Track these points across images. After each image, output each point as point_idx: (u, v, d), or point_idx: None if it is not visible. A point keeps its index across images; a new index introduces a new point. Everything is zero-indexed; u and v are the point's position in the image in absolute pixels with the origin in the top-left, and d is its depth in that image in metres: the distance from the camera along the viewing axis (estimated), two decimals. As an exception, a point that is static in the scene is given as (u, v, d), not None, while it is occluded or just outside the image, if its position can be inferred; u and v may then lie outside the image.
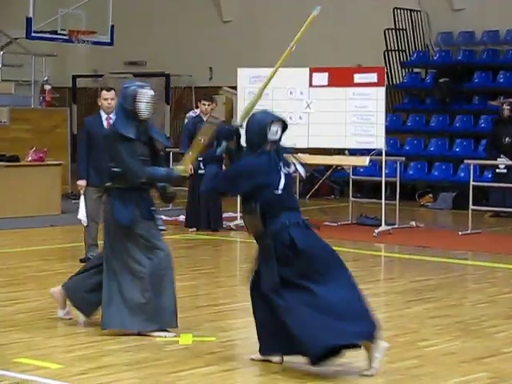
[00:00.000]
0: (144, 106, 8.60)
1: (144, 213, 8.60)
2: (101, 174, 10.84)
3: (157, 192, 8.86)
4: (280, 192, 7.41)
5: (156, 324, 8.44)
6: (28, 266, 12.21)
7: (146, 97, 8.63)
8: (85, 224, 12.31)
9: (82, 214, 12.30)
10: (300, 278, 7.27)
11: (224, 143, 7.64)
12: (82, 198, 12.29)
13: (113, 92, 12.14)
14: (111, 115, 11.68)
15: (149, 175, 8.61)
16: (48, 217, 16.49)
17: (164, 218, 16.80)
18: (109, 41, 22.34)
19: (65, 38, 21.92)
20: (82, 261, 12.00)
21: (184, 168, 8.74)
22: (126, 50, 26.11)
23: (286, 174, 7.53)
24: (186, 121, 16.48)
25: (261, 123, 7.55)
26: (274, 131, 7.59)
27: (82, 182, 12.38)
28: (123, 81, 28.44)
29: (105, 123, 12.09)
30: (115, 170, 8.59)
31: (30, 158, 17.19)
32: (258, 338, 7.61)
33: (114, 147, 8.57)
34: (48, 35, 21.76)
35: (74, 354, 7.85)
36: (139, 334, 8.33)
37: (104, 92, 12.24)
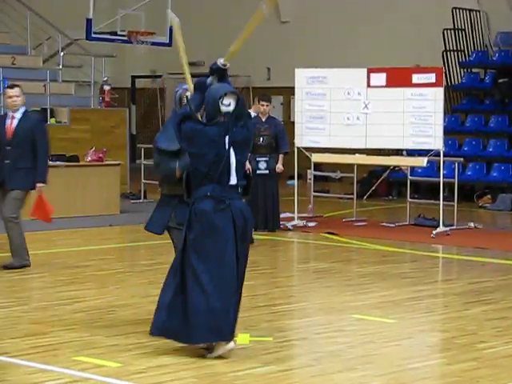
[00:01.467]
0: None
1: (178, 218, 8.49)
2: None
3: None
4: (210, 165, 7.67)
5: None
6: (87, 265, 12.30)
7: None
8: None
9: None
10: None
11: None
12: None
13: (17, 89, 11.96)
14: (15, 114, 11.82)
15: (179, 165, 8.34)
16: (107, 216, 16.59)
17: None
18: (167, 41, 22.41)
19: (124, 38, 22.01)
20: None
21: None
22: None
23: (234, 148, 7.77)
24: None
25: (214, 96, 7.90)
26: (226, 104, 7.85)
27: None
28: (181, 82, 28.63)
29: (8, 122, 11.92)
30: None
31: (89, 158, 17.31)
32: None
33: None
34: (107, 36, 21.87)
35: (133, 353, 7.90)
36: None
37: (8, 89, 12.08)
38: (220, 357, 7.75)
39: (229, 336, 7.68)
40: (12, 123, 11.85)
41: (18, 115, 11.88)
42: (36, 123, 12.04)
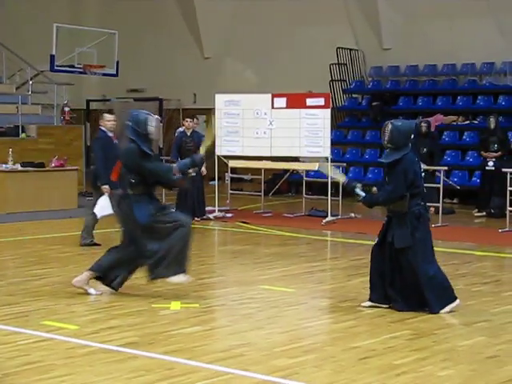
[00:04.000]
0: (154, 130, 8.54)
1: (156, 206, 8.62)
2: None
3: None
4: None
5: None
6: (52, 248, 12.16)
7: (154, 121, 8.56)
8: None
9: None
10: None
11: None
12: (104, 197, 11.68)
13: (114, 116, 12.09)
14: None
15: (180, 168, 8.67)
16: (67, 210, 16.40)
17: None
18: (115, 73, 22.32)
19: (80, 70, 21.90)
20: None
21: (203, 152, 8.89)
22: (128, 80, 26.03)
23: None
24: (176, 135, 16.41)
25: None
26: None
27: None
28: (126, 104, 28.45)
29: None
30: (133, 180, 8.52)
31: (53, 165, 17.11)
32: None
33: (142, 162, 8.49)
34: (67, 68, 21.71)
35: (89, 318, 7.84)
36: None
37: (106, 115, 12.12)
38: (157, 319, 7.71)
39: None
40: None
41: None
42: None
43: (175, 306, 8.34)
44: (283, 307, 8.39)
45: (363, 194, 8.42)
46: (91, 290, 8.82)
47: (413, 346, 6.99)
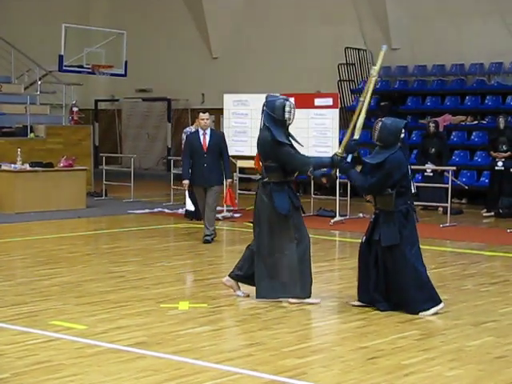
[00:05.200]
0: (291, 115, 8.44)
1: (295, 202, 8.51)
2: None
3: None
4: None
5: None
6: (61, 248, 12.17)
7: (291, 106, 8.46)
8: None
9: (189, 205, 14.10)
10: None
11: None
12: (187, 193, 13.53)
13: (207, 114, 12.84)
14: (206, 131, 12.69)
15: (315, 163, 8.46)
16: (76, 210, 16.44)
17: (167, 210, 16.92)
18: (123, 73, 22.33)
19: (89, 70, 21.93)
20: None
21: (341, 152, 8.34)
22: (136, 80, 26.06)
23: None
24: (184, 135, 16.36)
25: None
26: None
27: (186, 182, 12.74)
28: (134, 104, 28.50)
29: (201, 138, 12.70)
30: (272, 165, 8.38)
31: (61, 165, 17.14)
32: None
33: (277, 150, 8.33)
34: (76, 68, 21.76)
35: (97, 318, 7.84)
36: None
37: (201, 114, 12.84)
38: (165, 319, 7.72)
39: None
40: (205, 138, 12.63)
41: (208, 131, 12.68)
42: (222, 138, 12.97)
43: (183, 305, 8.35)
44: (291, 307, 8.39)
45: (349, 160, 8.32)
46: (239, 293, 8.80)
47: (421, 346, 6.98)
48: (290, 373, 6.17)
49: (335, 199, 15.57)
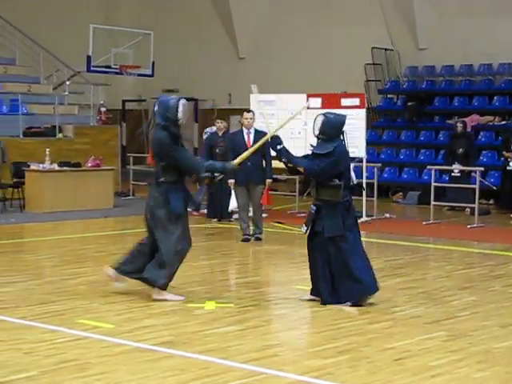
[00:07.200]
0: (183, 115, 8.52)
1: (190, 202, 8.66)
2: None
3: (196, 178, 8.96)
4: None
5: None
6: (88, 248, 12.23)
7: (184, 106, 8.53)
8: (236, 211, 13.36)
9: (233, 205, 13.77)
10: None
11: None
12: (233, 193, 13.22)
13: (251, 113, 13.01)
14: (250, 130, 12.90)
15: (207, 168, 8.56)
16: (103, 210, 16.50)
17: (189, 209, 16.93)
18: (150, 73, 22.44)
19: (116, 70, 22.04)
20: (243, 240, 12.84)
21: (237, 162, 8.75)
22: (163, 80, 26.12)
23: None
24: (205, 136, 16.35)
25: None
26: None
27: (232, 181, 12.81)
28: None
29: (246, 137, 12.86)
30: (167, 165, 8.41)
31: (89, 165, 17.22)
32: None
33: (171, 151, 8.39)
34: (103, 69, 21.88)
35: (124, 317, 7.86)
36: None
37: (245, 113, 12.99)
38: (191, 318, 7.72)
39: None
40: (249, 137, 12.81)
41: (252, 130, 12.88)
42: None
43: (210, 305, 8.35)
44: (317, 307, 8.37)
45: (282, 147, 8.71)
46: (117, 284, 8.93)
47: (448, 347, 6.94)
48: (315, 373, 6.15)
49: (361, 199, 15.51)
